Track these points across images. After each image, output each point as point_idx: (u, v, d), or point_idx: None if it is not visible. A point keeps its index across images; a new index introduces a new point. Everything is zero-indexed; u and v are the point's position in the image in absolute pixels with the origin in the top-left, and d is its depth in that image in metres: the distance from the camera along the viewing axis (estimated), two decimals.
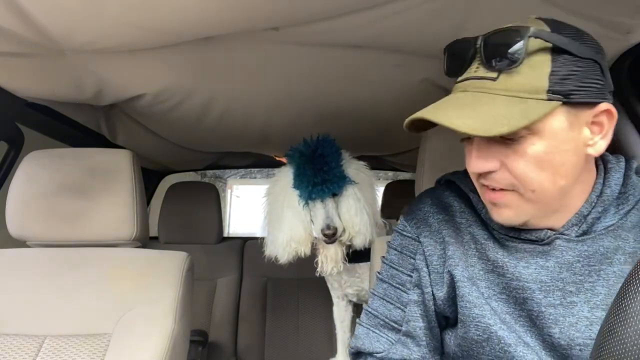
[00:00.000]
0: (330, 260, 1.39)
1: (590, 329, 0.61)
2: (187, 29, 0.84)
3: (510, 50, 0.57)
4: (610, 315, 0.43)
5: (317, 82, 1.19)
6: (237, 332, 1.98)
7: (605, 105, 0.60)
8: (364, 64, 1.07)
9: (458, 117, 0.57)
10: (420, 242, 0.77)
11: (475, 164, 0.62)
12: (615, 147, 1.00)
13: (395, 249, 0.81)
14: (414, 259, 0.77)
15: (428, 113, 0.60)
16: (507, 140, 0.59)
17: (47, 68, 1.02)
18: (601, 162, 0.68)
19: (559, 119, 0.58)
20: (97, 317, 1.05)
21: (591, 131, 0.61)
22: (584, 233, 0.64)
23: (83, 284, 1.09)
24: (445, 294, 0.73)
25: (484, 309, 0.68)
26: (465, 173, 0.78)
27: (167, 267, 1.13)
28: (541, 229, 0.66)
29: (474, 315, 0.68)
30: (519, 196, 0.62)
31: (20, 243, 1.18)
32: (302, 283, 2.03)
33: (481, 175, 0.64)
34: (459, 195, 0.78)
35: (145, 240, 1.21)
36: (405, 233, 0.80)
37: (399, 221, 0.84)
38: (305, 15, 0.82)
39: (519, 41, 0.57)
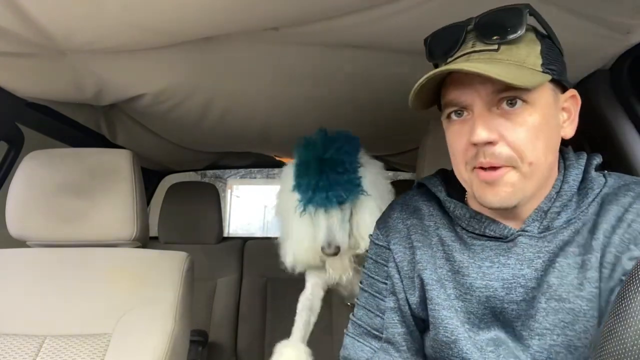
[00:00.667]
0: (337, 269, 1.27)
1: (546, 319, 0.63)
2: (187, 29, 0.84)
3: (513, 22, 0.61)
4: (610, 315, 0.43)
5: (317, 82, 1.19)
6: (237, 332, 1.98)
7: (572, 91, 0.67)
8: (364, 64, 1.07)
9: (483, 68, 0.58)
10: (390, 249, 0.79)
11: (480, 133, 0.61)
12: (615, 147, 1.01)
13: (371, 258, 0.82)
14: (387, 266, 0.79)
15: (451, 66, 0.61)
16: (508, 111, 0.61)
17: (47, 68, 1.02)
18: (562, 160, 0.70)
19: (548, 94, 0.63)
20: (97, 317, 1.05)
21: (562, 116, 0.67)
22: (546, 229, 0.66)
23: (83, 284, 1.09)
24: (417, 298, 0.74)
25: (451, 310, 0.69)
26: (434, 175, 0.80)
27: (167, 267, 1.13)
28: (505, 226, 0.67)
29: (442, 317, 0.70)
30: (517, 172, 0.63)
31: (20, 243, 1.18)
32: (302, 283, 2.02)
33: (478, 151, 0.63)
34: (428, 198, 0.79)
35: (145, 240, 1.21)
36: (378, 242, 0.82)
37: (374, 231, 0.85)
38: (305, 15, 0.82)
39: (521, 15, 0.61)
